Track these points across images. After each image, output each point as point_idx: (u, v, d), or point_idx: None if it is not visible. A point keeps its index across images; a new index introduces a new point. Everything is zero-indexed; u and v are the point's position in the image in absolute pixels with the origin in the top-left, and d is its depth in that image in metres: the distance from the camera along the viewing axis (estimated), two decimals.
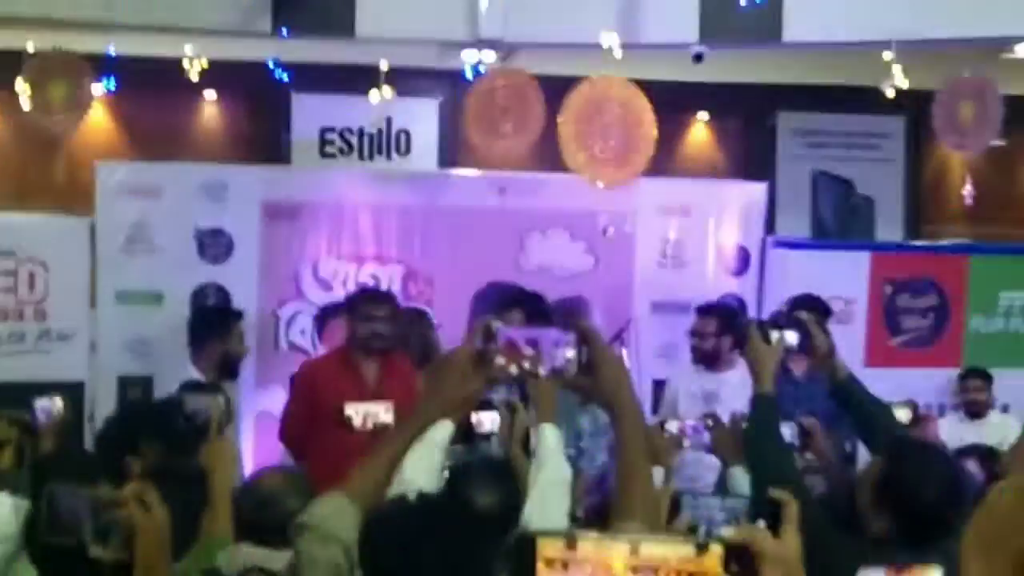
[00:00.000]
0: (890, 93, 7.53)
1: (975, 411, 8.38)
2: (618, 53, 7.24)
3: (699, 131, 10.45)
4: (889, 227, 10.47)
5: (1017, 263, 9.30)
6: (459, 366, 2.72)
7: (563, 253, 8.85)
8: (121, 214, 8.10)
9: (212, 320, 7.32)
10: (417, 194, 8.71)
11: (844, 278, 9.04)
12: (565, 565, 1.48)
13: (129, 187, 8.15)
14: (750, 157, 10.41)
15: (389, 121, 9.85)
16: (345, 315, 7.00)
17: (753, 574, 1.51)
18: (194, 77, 8.40)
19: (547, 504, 3.76)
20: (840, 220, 10.42)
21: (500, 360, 2.64)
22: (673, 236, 8.98)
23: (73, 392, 7.31)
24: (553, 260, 8.82)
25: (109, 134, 9.21)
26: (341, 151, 9.80)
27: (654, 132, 7.38)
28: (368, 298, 6.96)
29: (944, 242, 9.97)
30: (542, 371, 2.61)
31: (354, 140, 9.77)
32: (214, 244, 8.25)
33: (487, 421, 4.76)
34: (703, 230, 9.02)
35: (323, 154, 9.75)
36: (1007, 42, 8.37)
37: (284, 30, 7.63)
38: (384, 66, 8.16)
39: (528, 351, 2.64)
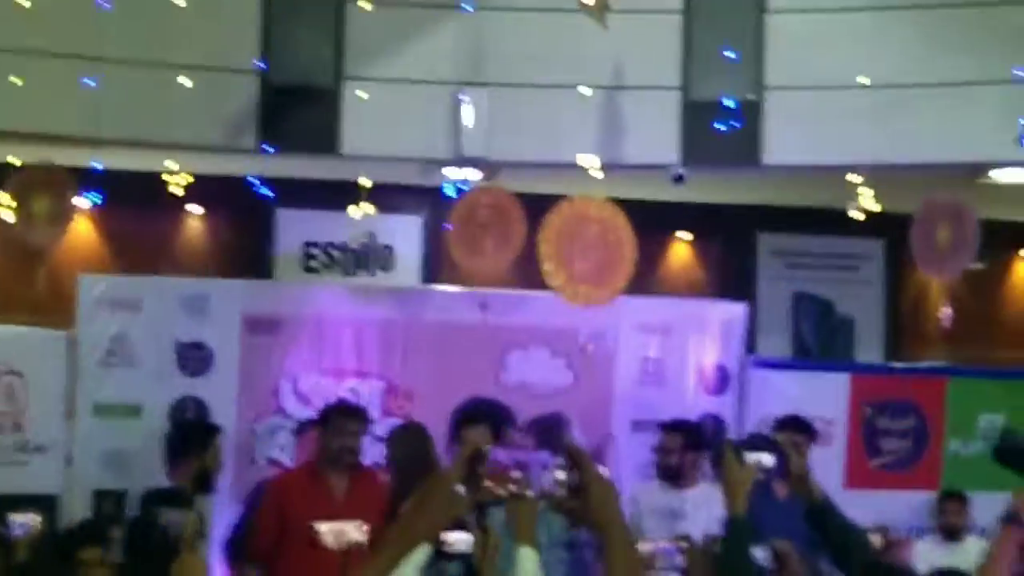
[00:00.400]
0: (858, 215, 7.65)
1: (952, 534, 8.35)
2: (598, 174, 7.33)
3: (680, 250, 10.53)
4: (869, 348, 10.51)
5: (996, 386, 9.32)
6: (446, 489, 2.73)
7: (543, 370, 8.84)
8: (102, 327, 8.09)
9: (190, 435, 7.27)
10: (398, 309, 8.72)
11: (824, 399, 9.04)
12: None
13: (110, 300, 8.15)
14: (731, 277, 10.48)
15: (372, 237, 9.91)
16: (318, 428, 7.01)
17: None
18: (178, 192, 8.48)
19: None
20: (820, 341, 10.46)
21: (488, 483, 2.65)
22: (653, 354, 9.00)
23: (47, 504, 7.27)
24: (533, 376, 8.81)
25: (92, 247, 9.25)
26: (324, 266, 9.84)
27: (633, 252, 7.45)
28: (342, 412, 6.99)
29: (923, 364, 10.00)
30: (530, 494, 2.62)
31: (337, 255, 9.82)
32: (194, 358, 8.24)
33: (460, 542, 4.73)
34: (683, 349, 9.04)
35: (306, 269, 9.79)
36: (979, 168, 8.51)
37: (269, 147, 7.70)
38: (367, 183, 8.24)
39: (516, 474, 2.66)
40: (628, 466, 8.70)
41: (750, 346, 9.75)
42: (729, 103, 7.99)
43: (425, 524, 2.82)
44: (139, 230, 9.43)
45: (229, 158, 8.51)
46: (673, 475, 7.44)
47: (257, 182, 8.42)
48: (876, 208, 7.65)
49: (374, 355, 8.60)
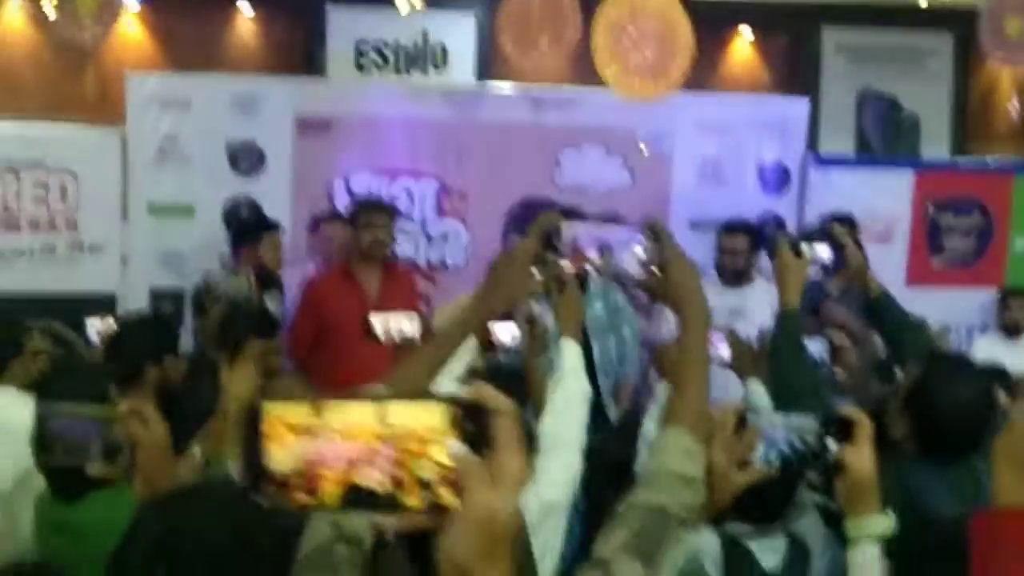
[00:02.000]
0: (924, 3, 7.32)
1: (1014, 330, 8.23)
2: None
3: (742, 47, 10.21)
4: (935, 146, 10.23)
5: None
6: (520, 263, 2.64)
7: (599, 169, 8.73)
8: (152, 125, 8.04)
9: (242, 231, 7.29)
10: (451, 109, 8.58)
11: (886, 196, 8.89)
12: (311, 431, 1.44)
13: (160, 98, 8.09)
14: (794, 73, 10.18)
15: (425, 35, 9.68)
16: (347, 225, 7.00)
17: (485, 432, 1.42)
18: None
19: (561, 420, 3.70)
20: (885, 138, 10.19)
21: (566, 262, 2.59)
22: (712, 152, 8.84)
23: (104, 304, 7.33)
24: (589, 177, 8.71)
25: (141, 45, 9.10)
26: (376, 65, 9.64)
27: (691, 45, 7.20)
28: (369, 206, 6.97)
29: (989, 161, 9.74)
30: (609, 268, 2.57)
31: (390, 54, 9.62)
32: (246, 157, 8.19)
33: (506, 333, 4.67)
34: (742, 147, 8.87)
35: (359, 68, 9.60)
36: None
37: None
38: None
39: (593, 253, 2.59)
40: None
41: (814, 144, 9.54)
42: None
43: (496, 298, 2.72)
44: (188, 28, 9.25)
45: None
46: (738, 276, 7.30)
47: None
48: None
49: (427, 155, 8.51)
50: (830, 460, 2.66)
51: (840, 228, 4.69)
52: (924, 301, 7.84)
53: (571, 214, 6.68)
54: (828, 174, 8.87)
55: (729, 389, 5.05)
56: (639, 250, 2.47)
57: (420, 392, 1.46)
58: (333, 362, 6.46)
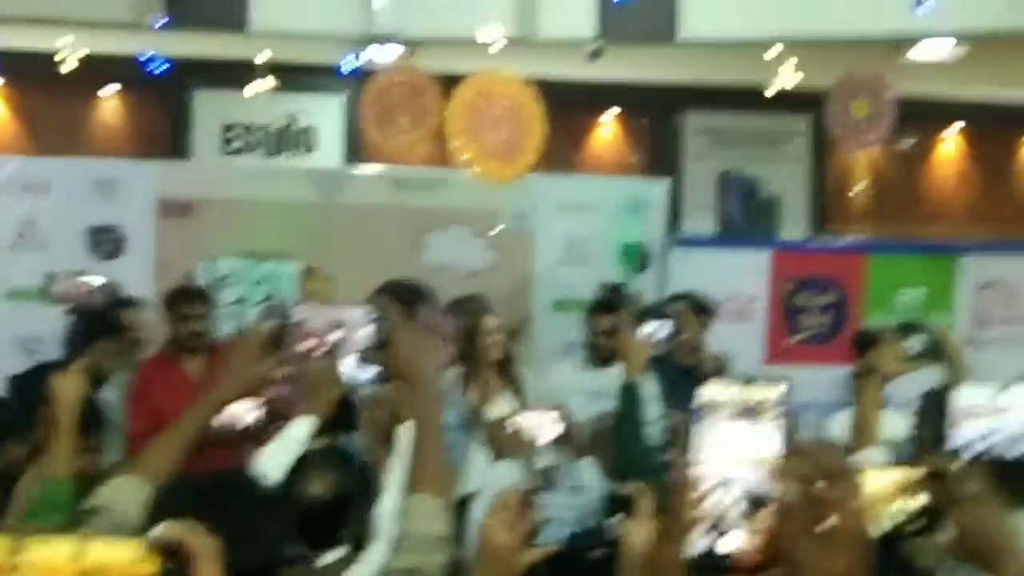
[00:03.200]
0: (771, 91, 7.59)
1: None
2: (499, 46, 7.23)
3: (607, 130, 10.46)
4: (795, 226, 10.52)
5: (916, 261, 9.37)
6: (250, 347, 2.72)
7: (464, 250, 8.81)
8: (10, 210, 7.98)
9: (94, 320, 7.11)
10: (315, 191, 8.63)
11: (745, 275, 9.07)
12: (13, 569, 1.43)
13: (20, 182, 8.03)
14: (657, 155, 10.44)
15: (293, 118, 9.77)
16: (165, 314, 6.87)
17: (184, 571, 1.47)
18: (90, 72, 8.30)
19: (391, 504, 3.75)
20: (746, 219, 10.46)
21: (300, 344, 2.68)
22: (575, 233, 8.98)
23: None
24: (454, 257, 8.78)
25: (4, 127, 9.07)
26: (244, 148, 9.70)
27: (543, 126, 7.35)
28: (181, 296, 6.84)
29: (843, 240, 10.03)
30: (350, 350, 2.66)
31: (257, 137, 9.69)
32: (106, 241, 8.15)
33: (248, 415, 4.70)
34: (605, 227, 9.02)
35: (226, 151, 9.65)
36: (899, 43, 8.45)
37: (166, 22, 7.50)
38: (267, 57, 8.06)
39: (332, 336, 2.67)
40: (550, 346, 8.71)
41: (677, 224, 9.75)
42: None
43: (229, 383, 2.80)
44: (53, 110, 9.25)
45: (143, 37, 8.31)
46: (605, 356, 7.34)
47: (156, 58, 8.20)
48: (794, 82, 7.57)
49: (292, 237, 8.53)
50: (612, 536, 2.74)
51: (681, 307, 4.83)
52: (783, 378, 8.00)
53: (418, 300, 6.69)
54: (688, 254, 9.04)
55: None
56: (367, 329, 2.58)
57: (125, 528, 1.48)
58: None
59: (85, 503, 2.75)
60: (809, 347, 9.07)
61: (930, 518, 2.28)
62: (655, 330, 4.47)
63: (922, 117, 10.06)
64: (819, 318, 9.15)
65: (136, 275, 8.16)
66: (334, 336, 2.71)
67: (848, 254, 9.42)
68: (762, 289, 9.06)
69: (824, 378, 8.95)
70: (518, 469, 4.35)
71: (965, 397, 3.77)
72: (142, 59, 8.07)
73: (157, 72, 8.19)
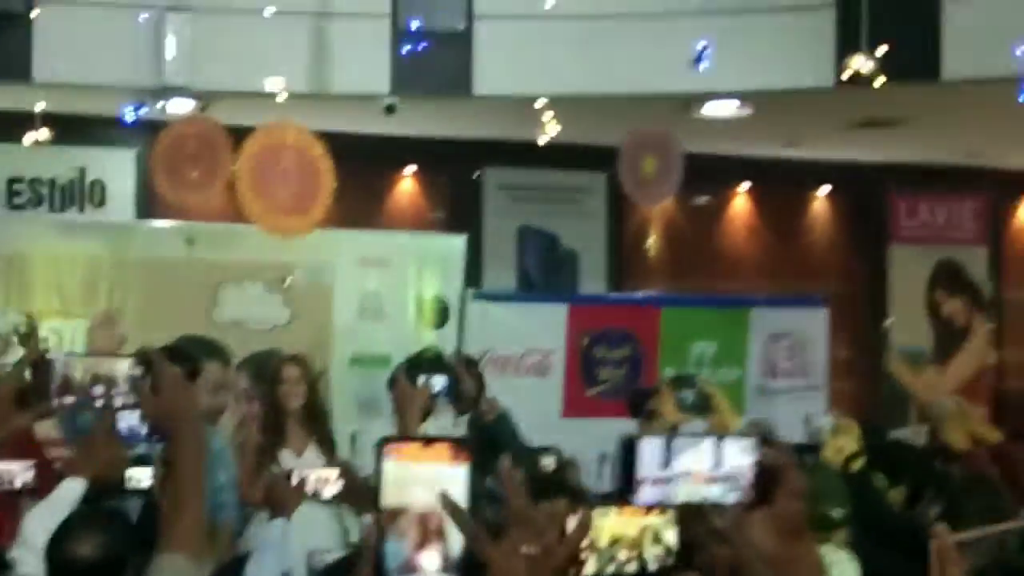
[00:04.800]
0: (541, 141, 7.73)
1: None
2: (286, 98, 7.18)
3: (406, 185, 10.45)
4: (593, 281, 10.65)
5: (708, 314, 9.57)
6: (2, 401, 2.61)
7: (259, 305, 8.67)
8: None
9: None
10: (103, 245, 8.41)
11: (543, 330, 9.14)
12: None
13: None
14: (457, 211, 10.47)
15: (83, 172, 9.51)
16: None
17: None
18: None
19: None
20: (545, 273, 10.55)
21: (65, 398, 2.58)
22: (372, 288, 8.92)
23: None
24: (248, 313, 8.64)
25: None
26: (31, 202, 9.39)
27: (331, 180, 7.32)
28: None
29: (638, 294, 10.19)
30: (117, 402, 2.60)
31: (45, 191, 9.39)
32: None
33: (143, 476, 4.58)
34: (403, 282, 8.99)
35: (11, 206, 9.32)
36: (691, 99, 8.67)
37: None
38: (47, 108, 7.85)
39: (98, 389, 2.59)
40: (349, 401, 8.62)
41: (477, 280, 9.77)
42: (439, 31, 7.91)
43: None
44: None
45: None
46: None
47: None
48: (551, 134, 7.70)
49: (77, 293, 8.28)
50: None
51: (458, 359, 4.83)
52: (580, 432, 8.06)
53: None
54: (487, 309, 9.07)
55: None
56: (134, 372, 2.53)
57: None
58: None
59: None
60: (606, 401, 9.15)
61: (680, 556, 2.31)
62: (431, 382, 4.44)
63: (713, 174, 10.32)
64: (616, 371, 9.25)
65: None
66: (97, 390, 2.61)
67: (642, 307, 9.57)
68: (559, 343, 9.13)
69: (620, 430, 9.06)
70: (288, 526, 4.26)
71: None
72: None
73: None
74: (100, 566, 3.64)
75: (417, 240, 9.42)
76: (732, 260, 11.20)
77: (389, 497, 1.62)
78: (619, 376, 9.23)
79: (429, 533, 1.63)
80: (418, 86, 8.04)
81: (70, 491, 4.13)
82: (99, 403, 2.63)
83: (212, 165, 7.89)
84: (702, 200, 10.95)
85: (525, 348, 9.05)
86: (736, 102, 8.76)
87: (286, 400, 6.64)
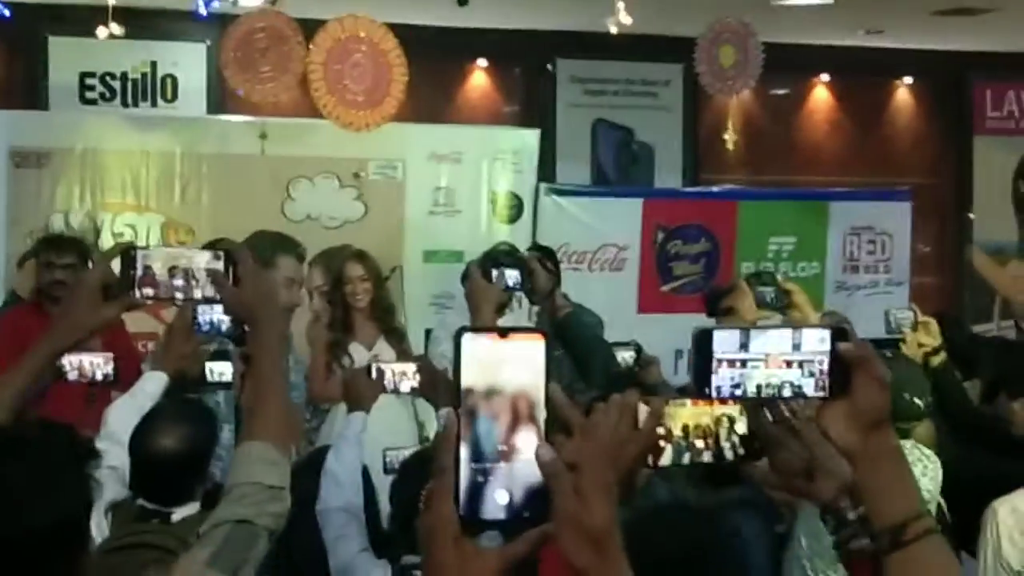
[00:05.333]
0: (613, 30, 7.54)
1: None
2: None
3: (478, 78, 10.30)
4: (669, 175, 10.48)
5: (786, 208, 9.41)
6: (88, 291, 2.58)
7: (331, 201, 8.64)
8: None
9: None
10: (175, 140, 8.40)
11: (617, 225, 9.05)
12: None
13: None
14: (529, 104, 10.31)
15: (154, 66, 9.45)
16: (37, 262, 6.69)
17: None
18: None
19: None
20: (620, 168, 10.39)
21: (146, 291, 2.57)
22: (444, 183, 8.85)
23: None
24: (321, 208, 8.61)
25: None
26: (103, 97, 9.37)
27: (404, 74, 7.20)
28: (49, 243, 6.67)
29: (714, 188, 10.02)
30: (196, 295, 2.60)
31: (116, 86, 9.36)
32: None
33: (222, 370, 4.60)
34: (475, 177, 8.90)
35: (83, 100, 9.30)
36: None
37: None
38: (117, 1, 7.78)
39: (179, 282, 2.59)
40: (421, 296, 8.61)
41: (551, 174, 9.66)
42: None
43: (65, 326, 2.65)
44: None
45: None
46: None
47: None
48: (628, 22, 7.48)
49: (151, 188, 8.29)
50: None
51: (530, 254, 4.75)
52: (655, 327, 7.99)
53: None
54: (559, 204, 8.97)
55: None
56: (214, 264, 2.51)
57: None
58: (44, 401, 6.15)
59: None
60: (682, 296, 9.06)
61: (749, 446, 2.24)
62: (505, 275, 4.37)
63: (792, 64, 10.07)
64: (692, 267, 9.14)
65: None
66: (177, 282, 2.58)
67: (718, 201, 9.42)
68: (634, 238, 9.03)
69: (697, 325, 8.97)
70: (365, 419, 4.24)
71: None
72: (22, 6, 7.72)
73: (3, 16, 7.78)
74: (183, 458, 3.67)
75: (489, 134, 9.30)
76: (811, 153, 10.96)
77: (472, 383, 1.55)
78: (696, 271, 9.13)
79: (520, 415, 1.56)
80: None
81: (152, 384, 4.16)
82: (179, 294, 2.59)
83: (283, 59, 7.79)
84: (780, 91, 10.72)
85: (599, 243, 8.96)
86: None
87: (352, 298, 6.65)
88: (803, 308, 4.69)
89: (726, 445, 2.31)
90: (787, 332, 1.86)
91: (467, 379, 1.55)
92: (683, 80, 10.31)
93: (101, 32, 7.62)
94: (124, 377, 4.85)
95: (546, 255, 5.74)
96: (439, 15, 8.88)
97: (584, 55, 10.20)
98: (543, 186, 9.03)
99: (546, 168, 9.54)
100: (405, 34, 7.94)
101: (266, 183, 8.42)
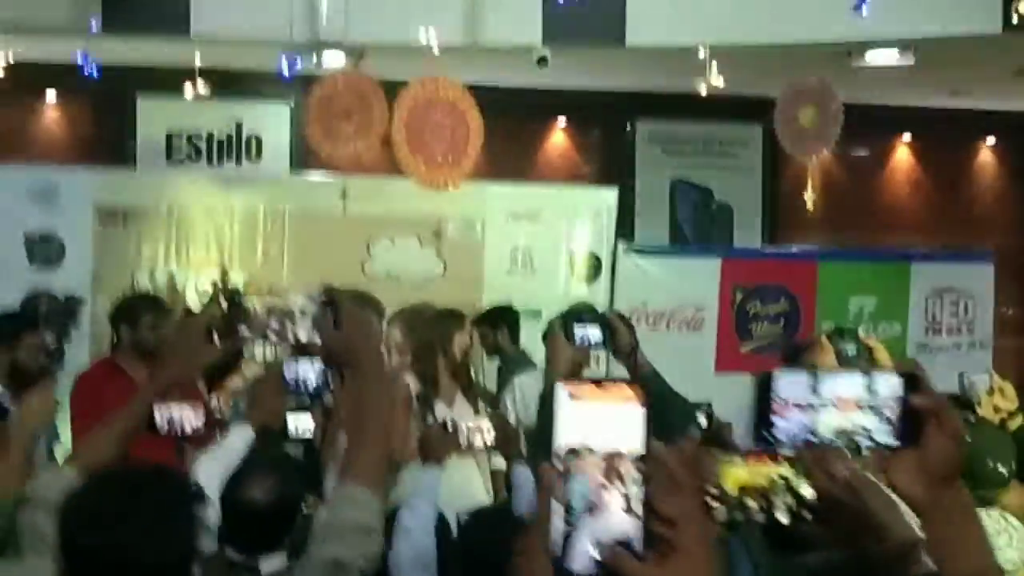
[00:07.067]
0: (703, 92, 7.55)
1: None
2: (435, 50, 7.15)
3: (558, 137, 10.37)
4: (748, 234, 10.46)
5: (866, 269, 9.33)
6: (195, 333, 2.65)
7: (411, 259, 8.72)
8: None
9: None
10: (257, 198, 8.53)
11: (695, 284, 9.00)
12: None
13: None
14: (609, 163, 10.36)
15: (239, 125, 9.63)
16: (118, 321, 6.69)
17: None
18: (29, 78, 8.14)
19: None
20: (699, 228, 10.39)
21: (246, 332, 2.62)
22: (523, 242, 8.89)
23: None
24: (401, 266, 8.68)
25: None
26: (189, 156, 9.56)
27: (481, 133, 7.27)
28: (147, 305, 6.67)
29: (794, 248, 9.96)
30: (290, 338, 2.63)
31: (202, 145, 9.54)
32: (44, 249, 8.00)
33: (303, 424, 4.64)
34: (554, 235, 8.94)
35: (170, 159, 9.49)
36: (848, 48, 8.40)
37: (96, 25, 7.33)
38: (206, 63, 7.93)
39: (274, 323, 2.64)
40: None
41: (628, 234, 9.67)
42: None
43: (171, 368, 2.71)
44: None
45: (80, 43, 8.15)
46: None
47: (91, 62, 7.99)
48: (720, 84, 7.51)
49: (235, 245, 8.41)
50: None
51: (612, 312, 4.76)
52: (733, 387, 7.89)
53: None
54: (638, 263, 8.97)
55: None
56: (315, 315, 2.54)
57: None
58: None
59: (18, 494, 2.67)
60: (761, 356, 8.99)
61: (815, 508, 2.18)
62: (587, 334, 4.37)
63: (874, 125, 10.03)
64: (771, 326, 9.08)
65: (75, 283, 8.03)
66: (274, 323, 2.63)
67: (799, 261, 9.37)
68: (712, 297, 8.99)
69: None
70: (439, 475, 4.26)
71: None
72: (79, 63, 7.87)
73: (92, 76, 7.96)
74: (274, 509, 3.70)
75: (568, 193, 9.36)
76: (893, 213, 10.89)
77: (566, 438, 1.55)
78: (775, 332, 9.05)
79: (612, 474, 1.56)
80: (571, 37, 7.92)
81: (239, 439, 4.19)
82: (274, 337, 2.64)
83: (365, 118, 7.89)
84: (861, 152, 10.68)
85: (677, 303, 8.93)
86: (897, 51, 8.46)
87: (451, 363, 6.63)
88: (886, 366, 4.63)
89: (780, 506, 2.27)
90: (858, 379, 1.78)
91: (562, 432, 1.56)
92: (763, 140, 10.30)
93: (188, 92, 7.76)
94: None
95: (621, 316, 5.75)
96: (520, 75, 8.97)
97: (663, 115, 10.24)
98: (622, 245, 9.03)
99: (624, 227, 9.56)
100: (486, 94, 8.02)
101: (347, 241, 8.52)
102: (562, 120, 10.27)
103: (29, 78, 8.46)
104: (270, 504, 3.73)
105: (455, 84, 7.28)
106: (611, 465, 1.57)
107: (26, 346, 6.59)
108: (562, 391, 1.56)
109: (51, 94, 9.15)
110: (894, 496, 1.87)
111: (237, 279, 8.36)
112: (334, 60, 8.42)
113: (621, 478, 1.57)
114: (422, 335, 6.88)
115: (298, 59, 8.45)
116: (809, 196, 8.03)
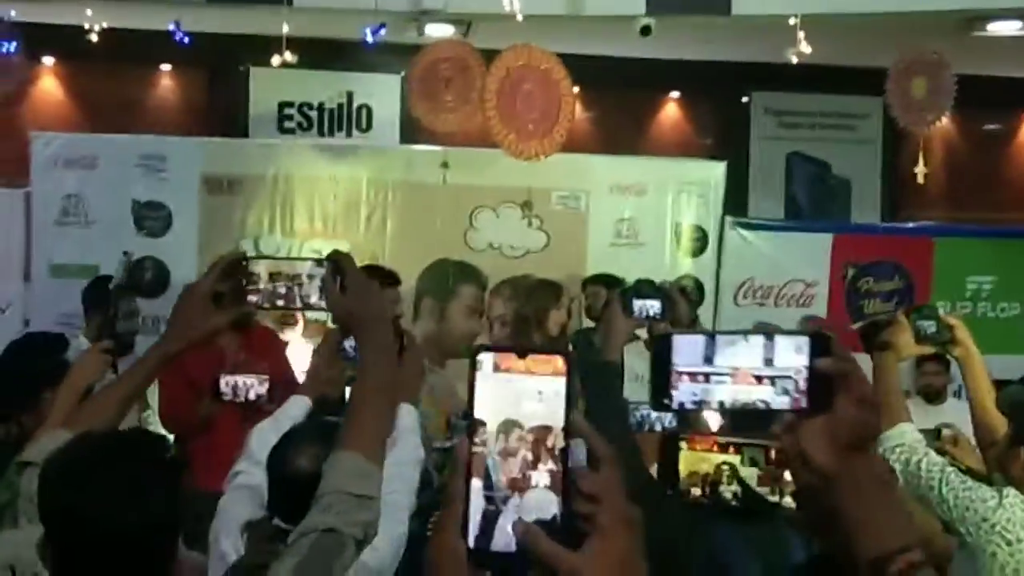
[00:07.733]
0: (794, 60, 7.34)
1: (931, 395, 8.09)
2: (518, 16, 7.08)
3: (670, 109, 10.21)
4: (866, 210, 10.20)
5: (985, 246, 9.01)
6: (198, 300, 2.64)
7: (514, 231, 8.67)
8: (56, 185, 8.00)
9: (94, 289, 6.99)
10: (361, 169, 8.54)
11: (805, 260, 8.81)
12: None
13: (65, 158, 8.05)
14: (723, 137, 10.17)
15: (350, 97, 9.68)
16: None
17: None
18: (142, 49, 8.26)
19: (393, 483, 3.65)
20: (815, 202, 10.16)
21: (252, 297, 2.62)
22: (628, 215, 8.78)
23: None
24: (504, 238, 8.64)
25: (55, 104, 9.09)
26: (300, 126, 9.64)
27: (574, 103, 7.17)
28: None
29: (909, 224, 9.66)
30: (299, 303, 2.63)
31: (313, 116, 9.61)
32: (152, 217, 8.13)
33: None
34: (659, 209, 8.80)
35: (281, 129, 9.59)
36: (971, 18, 8.11)
37: None
38: (316, 34, 7.95)
39: (282, 289, 2.63)
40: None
41: (742, 208, 9.49)
42: None
43: (175, 334, 2.70)
44: (106, 88, 9.26)
45: (207, 13, 8.24)
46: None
47: (191, 34, 8.07)
48: (807, 51, 7.30)
49: (338, 215, 8.45)
50: None
51: (670, 284, 4.64)
52: None
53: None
54: (744, 238, 8.79)
55: None
56: (322, 280, 2.52)
57: None
58: (192, 420, 6.29)
59: (19, 457, 2.71)
60: None
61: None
62: (646, 306, 4.26)
63: (998, 97, 9.68)
64: (884, 304, 8.82)
65: (182, 251, 8.15)
66: (280, 288, 2.61)
67: (913, 238, 9.09)
68: (822, 274, 8.78)
69: None
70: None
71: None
72: (178, 34, 7.96)
73: (184, 43, 8.03)
74: (318, 477, 3.69)
75: (674, 166, 9.18)
76: (1017, 189, 10.50)
77: (490, 411, 1.48)
78: (887, 309, 8.78)
79: (540, 449, 1.48)
80: (675, 6, 7.77)
81: (296, 408, 4.20)
82: (280, 302, 2.63)
83: (466, 89, 7.84)
84: (986, 125, 10.32)
85: (786, 278, 8.75)
86: (1020, 22, 8.14)
87: (548, 329, 6.58)
88: (966, 344, 4.45)
89: (726, 495, 2.16)
90: (758, 342, 1.63)
91: (482, 403, 1.49)
92: (883, 113, 9.99)
93: (275, 60, 7.76)
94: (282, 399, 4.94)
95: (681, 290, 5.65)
96: (629, 46, 8.83)
97: (779, 87, 10.01)
98: (728, 219, 8.86)
99: (738, 201, 9.38)
100: (595, 65, 7.92)
101: (449, 212, 8.49)
102: (675, 92, 10.11)
103: (143, 50, 8.57)
104: (314, 472, 3.72)
105: (547, 53, 7.18)
106: (539, 440, 1.49)
107: (123, 311, 6.69)
108: (487, 361, 1.48)
109: (166, 66, 9.29)
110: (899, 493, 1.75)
111: (340, 248, 8.40)
112: (439, 31, 8.42)
113: (551, 454, 1.49)
114: (520, 308, 6.85)
115: (407, 30, 8.46)
116: (920, 170, 7.75)
